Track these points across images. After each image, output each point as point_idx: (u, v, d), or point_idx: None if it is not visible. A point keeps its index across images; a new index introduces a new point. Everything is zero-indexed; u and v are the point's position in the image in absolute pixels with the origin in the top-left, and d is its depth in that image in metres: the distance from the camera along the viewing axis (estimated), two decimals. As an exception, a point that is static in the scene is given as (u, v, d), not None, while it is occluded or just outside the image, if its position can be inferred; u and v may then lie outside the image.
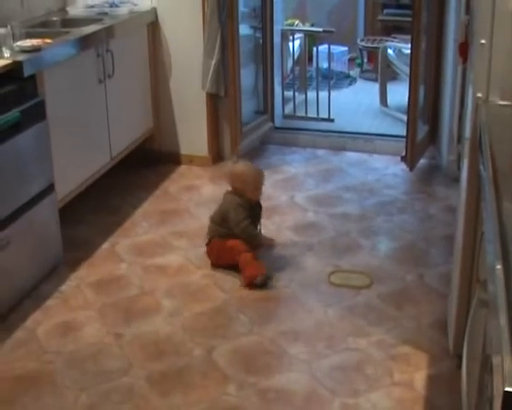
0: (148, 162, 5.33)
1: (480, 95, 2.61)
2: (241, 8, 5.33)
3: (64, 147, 4.06)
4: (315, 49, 6.68)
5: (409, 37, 4.96)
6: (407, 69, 5.32)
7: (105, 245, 4.22)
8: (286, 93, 6.32)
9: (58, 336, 3.37)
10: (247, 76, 5.59)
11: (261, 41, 5.76)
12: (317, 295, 3.67)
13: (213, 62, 4.99)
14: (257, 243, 3.94)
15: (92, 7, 5.03)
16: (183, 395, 2.96)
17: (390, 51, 6.90)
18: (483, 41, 2.55)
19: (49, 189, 3.84)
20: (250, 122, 5.59)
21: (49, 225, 3.88)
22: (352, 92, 7.53)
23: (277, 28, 5.99)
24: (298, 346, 3.26)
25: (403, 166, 5.13)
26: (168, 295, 3.70)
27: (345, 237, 4.28)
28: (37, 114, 3.69)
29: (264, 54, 5.76)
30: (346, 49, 8.23)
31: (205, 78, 5.06)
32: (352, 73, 8.14)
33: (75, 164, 4.24)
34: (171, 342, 3.31)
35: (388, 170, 5.30)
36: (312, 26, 7.81)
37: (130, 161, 5.09)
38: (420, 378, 3.02)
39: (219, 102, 5.30)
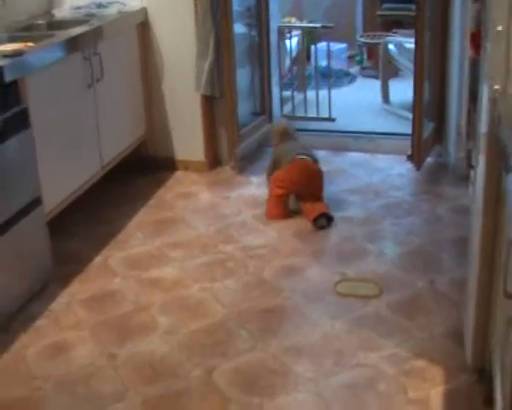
0: (141, 169, 5.18)
1: (497, 87, 2.42)
2: (235, 6, 5.17)
3: (51, 157, 3.90)
4: (313, 47, 6.57)
5: (410, 31, 4.84)
6: (410, 64, 5.18)
7: (97, 259, 4.06)
8: (284, 93, 6.20)
9: (48, 358, 3.23)
10: (242, 76, 5.46)
11: (257, 40, 5.64)
12: (323, 307, 3.51)
13: (207, 63, 4.86)
14: None
15: (79, 8, 4.87)
16: (181, 421, 2.78)
17: (391, 47, 6.75)
18: (499, 28, 2.36)
19: (36, 201, 3.70)
20: (247, 124, 5.44)
21: (38, 240, 3.73)
22: (353, 90, 7.42)
23: (273, 26, 5.83)
24: (304, 363, 3.09)
25: (408, 165, 4.97)
26: (164, 310, 3.53)
27: (350, 243, 4.12)
28: (21, 122, 3.54)
29: (260, 53, 5.64)
30: (344, 46, 8.12)
31: (199, 79, 4.92)
32: (351, 70, 8.03)
33: (63, 174, 4.07)
34: (168, 362, 3.14)
35: (393, 170, 5.13)
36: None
37: (123, 169, 4.93)
38: (436, 395, 2.86)
39: (215, 104, 5.15)
